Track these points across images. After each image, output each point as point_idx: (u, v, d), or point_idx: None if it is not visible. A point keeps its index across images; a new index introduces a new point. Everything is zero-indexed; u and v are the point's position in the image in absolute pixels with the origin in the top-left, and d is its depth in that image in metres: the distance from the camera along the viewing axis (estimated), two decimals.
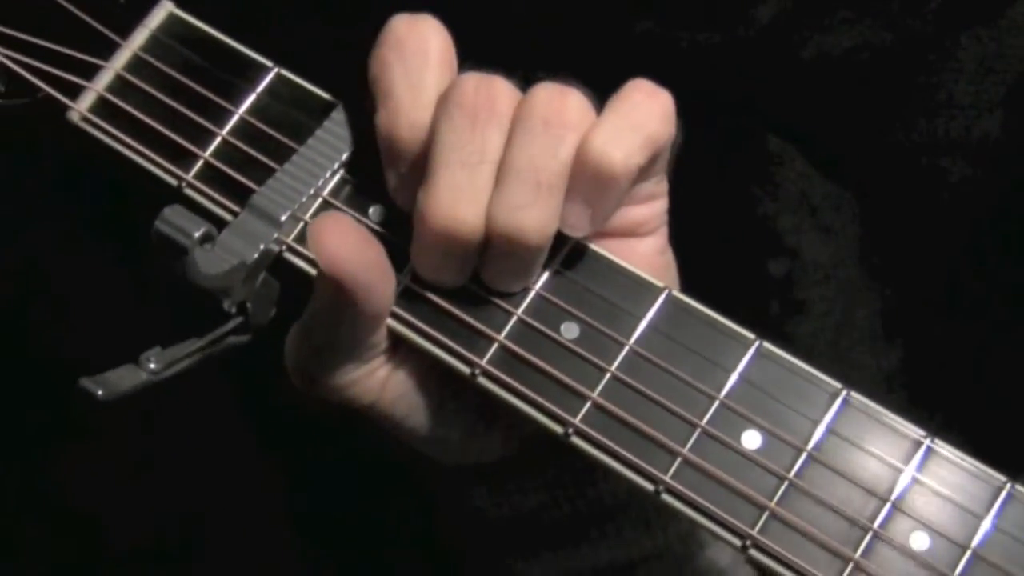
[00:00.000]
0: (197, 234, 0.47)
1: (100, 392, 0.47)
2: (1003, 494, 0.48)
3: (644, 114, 0.49)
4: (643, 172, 0.50)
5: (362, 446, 0.92)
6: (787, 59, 1.00)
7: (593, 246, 0.52)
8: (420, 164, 0.50)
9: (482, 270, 0.50)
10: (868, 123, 1.00)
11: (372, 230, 0.52)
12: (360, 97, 0.53)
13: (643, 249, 0.53)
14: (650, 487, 0.49)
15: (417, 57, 0.50)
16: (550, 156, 0.48)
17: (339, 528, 0.97)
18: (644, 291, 0.51)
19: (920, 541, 0.47)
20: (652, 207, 0.53)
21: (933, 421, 0.92)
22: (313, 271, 0.52)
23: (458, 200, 0.48)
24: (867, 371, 1.01)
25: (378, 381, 0.52)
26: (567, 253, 0.52)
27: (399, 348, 0.52)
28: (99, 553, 0.99)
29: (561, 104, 0.49)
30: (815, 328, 1.01)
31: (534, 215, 0.48)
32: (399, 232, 0.52)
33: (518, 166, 0.48)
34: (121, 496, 0.97)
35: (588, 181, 0.48)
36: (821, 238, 1.02)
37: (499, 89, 0.49)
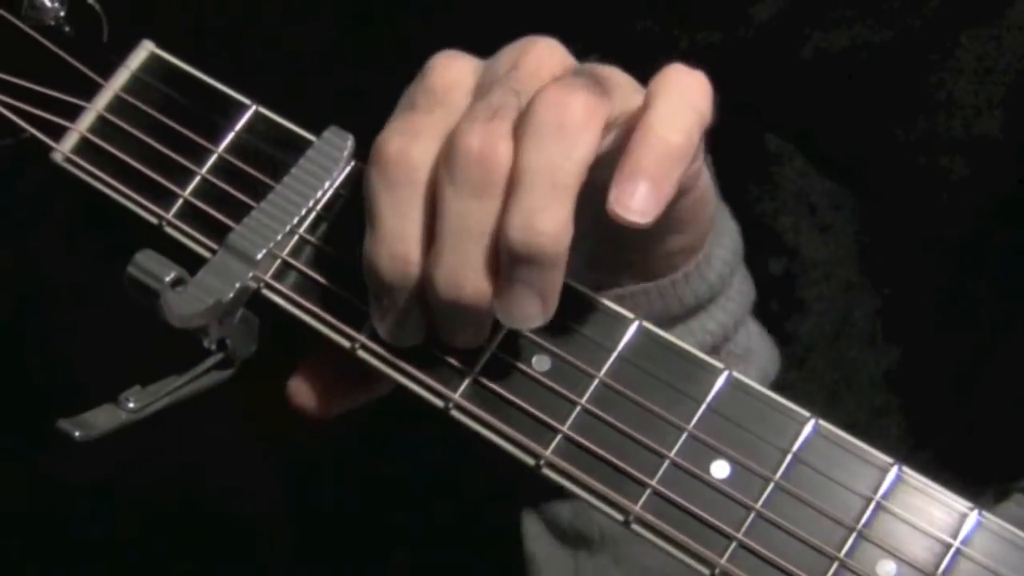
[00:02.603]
0: (168, 278, 0.48)
1: (77, 433, 0.48)
2: (970, 521, 0.48)
3: (694, 93, 0.49)
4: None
5: (363, 447, 0.93)
6: (786, 58, 1.00)
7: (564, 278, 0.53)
8: (407, 294, 0.50)
9: (500, 304, 0.49)
10: (867, 122, 1.00)
11: (351, 269, 0.52)
12: (337, 135, 0.54)
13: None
14: (620, 517, 0.50)
15: (406, 188, 0.49)
16: (564, 158, 0.47)
17: (340, 529, 0.98)
18: (615, 322, 0.52)
19: (887, 569, 0.48)
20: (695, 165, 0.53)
21: (930, 420, 0.92)
22: (291, 308, 0.53)
23: (463, 273, 0.48)
24: (865, 370, 1.01)
25: (376, 389, 0.54)
26: None
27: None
28: (99, 556, 1.00)
29: (568, 104, 0.48)
30: (814, 327, 1.01)
31: (550, 217, 0.47)
32: None
33: (532, 170, 0.47)
34: (121, 496, 0.98)
35: (653, 161, 0.47)
36: (820, 237, 1.02)
37: (502, 144, 0.48)
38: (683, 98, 0.49)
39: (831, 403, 0.94)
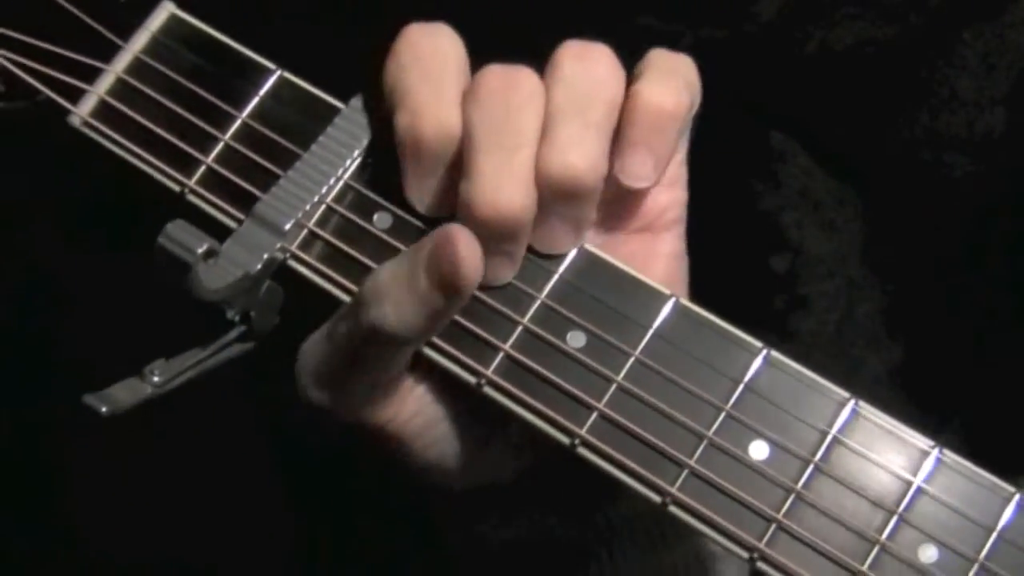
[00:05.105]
0: (201, 250, 0.47)
1: (104, 408, 0.46)
2: (1012, 505, 0.47)
3: (676, 62, 0.51)
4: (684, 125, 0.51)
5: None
6: (790, 55, 1.00)
7: (600, 253, 0.51)
8: (445, 165, 0.50)
9: (536, 233, 0.50)
10: (871, 119, 1.00)
11: (377, 237, 0.52)
12: (365, 103, 0.53)
13: (665, 249, 0.53)
14: (657, 499, 0.48)
15: (435, 59, 0.50)
16: (594, 97, 0.49)
17: (340, 531, 0.97)
18: (651, 299, 0.50)
19: (928, 553, 0.47)
20: (673, 193, 0.53)
21: (933, 417, 0.92)
22: (317, 279, 0.51)
23: (502, 184, 0.48)
24: (869, 366, 1.01)
25: (397, 399, 0.51)
26: (573, 260, 0.51)
27: (416, 366, 0.52)
28: (98, 555, 0.98)
29: (590, 52, 0.50)
30: (818, 324, 1.01)
31: (584, 151, 0.49)
32: (406, 240, 0.51)
33: (563, 110, 0.49)
34: (123, 497, 0.97)
35: (646, 127, 0.50)
36: (824, 234, 1.02)
37: (526, 74, 0.50)
38: (668, 68, 0.51)
39: None
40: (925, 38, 0.99)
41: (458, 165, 0.49)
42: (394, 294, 0.48)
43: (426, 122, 0.49)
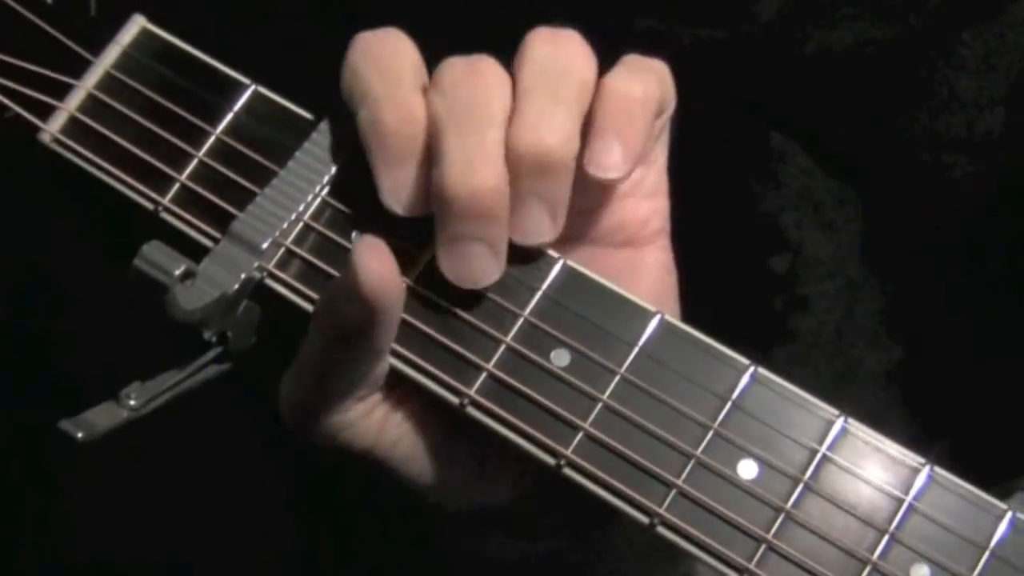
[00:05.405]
0: (178, 272, 0.46)
1: (80, 434, 0.46)
2: (1004, 522, 0.46)
3: (649, 62, 0.51)
4: (656, 117, 0.50)
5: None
6: (790, 55, 1.00)
7: (583, 269, 0.50)
8: (416, 157, 0.49)
9: (512, 220, 0.49)
10: (871, 119, 1.00)
11: None
12: (342, 117, 0.52)
13: (650, 261, 0.52)
14: (645, 520, 0.47)
15: (389, 57, 0.49)
16: (564, 75, 0.48)
17: (341, 531, 0.97)
18: (636, 316, 0.49)
19: (921, 572, 0.46)
20: (655, 202, 0.52)
21: (933, 417, 0.92)
22: (294, 297, 0.50)
23: (474, 165, 0.47)
24: (868, 367, 1.01)
25: (375, 424, 0.50)
26: (556, 276, 0.50)
27: (394, 390, 0.51)
28: (98, 556, 0.98)
29: (560, 35, 0.49)
30: (817, 324, 1.00)
31: (555, 126, 0.48)
32: None
33: (532, 87, 0.48)
34: (123, 497, 0.97)
35: (614, 115, 0.48)
36: (823, 234, 1.02)
37: (489, 61, 0.49)
38: (638, 63, 0.50)
39: (833, 401, 0.93)
40: (925, 38, 0.99)
41: (428, 157, 0.48)
42: (332, 307, 0.47)
43: (386, 110, 0.48)
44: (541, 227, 0.49)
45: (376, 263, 0.45)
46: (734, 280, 0.96)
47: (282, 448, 0.96)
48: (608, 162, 0.48)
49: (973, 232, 0.98)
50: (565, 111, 0.48)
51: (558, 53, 0.49)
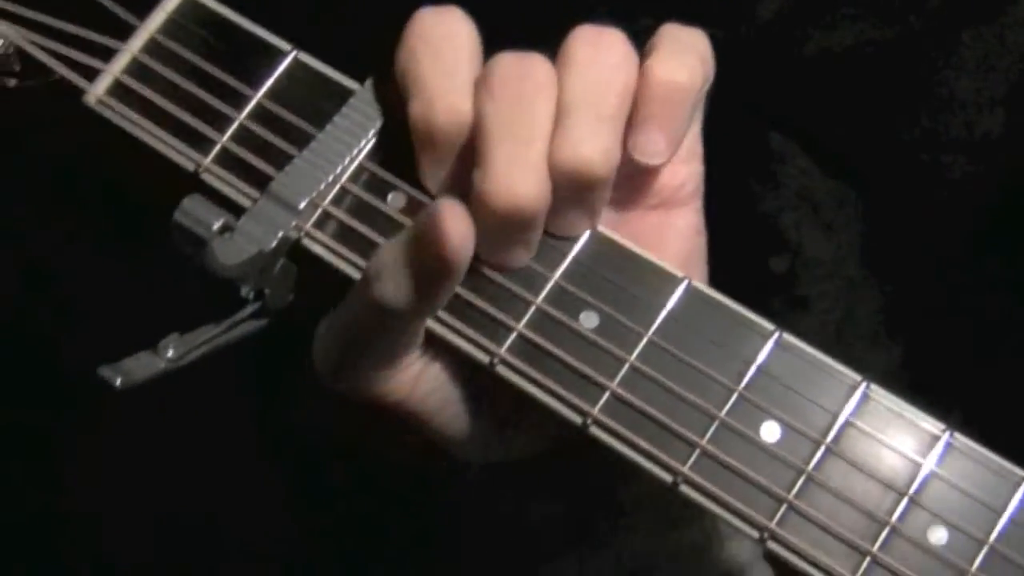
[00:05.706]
0: (216, 225, 0.47)
1: (119, 380, 0.46)
2: (1022, 488, 0.47)
3: (691, 37, 0.51)
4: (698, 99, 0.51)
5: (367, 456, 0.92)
6: (789, 56, 1.00)
7: (614, 235, 0.52)
8: (459, 151, 0.50)
9: (551, 219, 0.50)
10: (870, 120, 1.00)
11: (390, 217, 0.52)
12: (378, 84, 0.53)
13: (681, 224, 0.53)
14: (668, 478, 0.48)
15: (447, 44, 0.50)
16: (607, 86, 0.49)
17: (342, 532, 0.97)
18: (664, 280, 0.50)
19: (938, 535, 0.47)
20: (690, 167, 0.53)
21: (933, 417, 0.92)
22: (330, 257, 0.51)
23: (516, 175, 0.48)
24: (868, 368, 1.01)
25: (411, 376, 0.51)
26: (587, 242, 0.51)
27: (432, 344, 0.52)
28: (99, 557, 0.98)
29: (603, 39, 0.50)
30: (817, 325, 1.01)
31: (598, 144, 0.49)
32: None
33: (577, 102, 0.49)
34: (123, 497, 0.97)
35: (659, 103, 0.49)
36: (823, 235, 1.02)
37: (539, 61, 0.50)
38: (681, 42, 0.51)
39: None
40: (924, 39, 1.00)
41: (471, 151, 0.49)
42: (392, 270, 0.48)
43: (439, 110, 0.49)
44: (579, 227, 0.51)
45: (461, 225, 0.47)
46: (734, 280, 0.97)
47: (281, 447, 0.97)
48: (654, 149, 0.50)
49: (973, 232, 0.99)
50: (608, 127, 0.49)
51: (601, 60, 0.49)
